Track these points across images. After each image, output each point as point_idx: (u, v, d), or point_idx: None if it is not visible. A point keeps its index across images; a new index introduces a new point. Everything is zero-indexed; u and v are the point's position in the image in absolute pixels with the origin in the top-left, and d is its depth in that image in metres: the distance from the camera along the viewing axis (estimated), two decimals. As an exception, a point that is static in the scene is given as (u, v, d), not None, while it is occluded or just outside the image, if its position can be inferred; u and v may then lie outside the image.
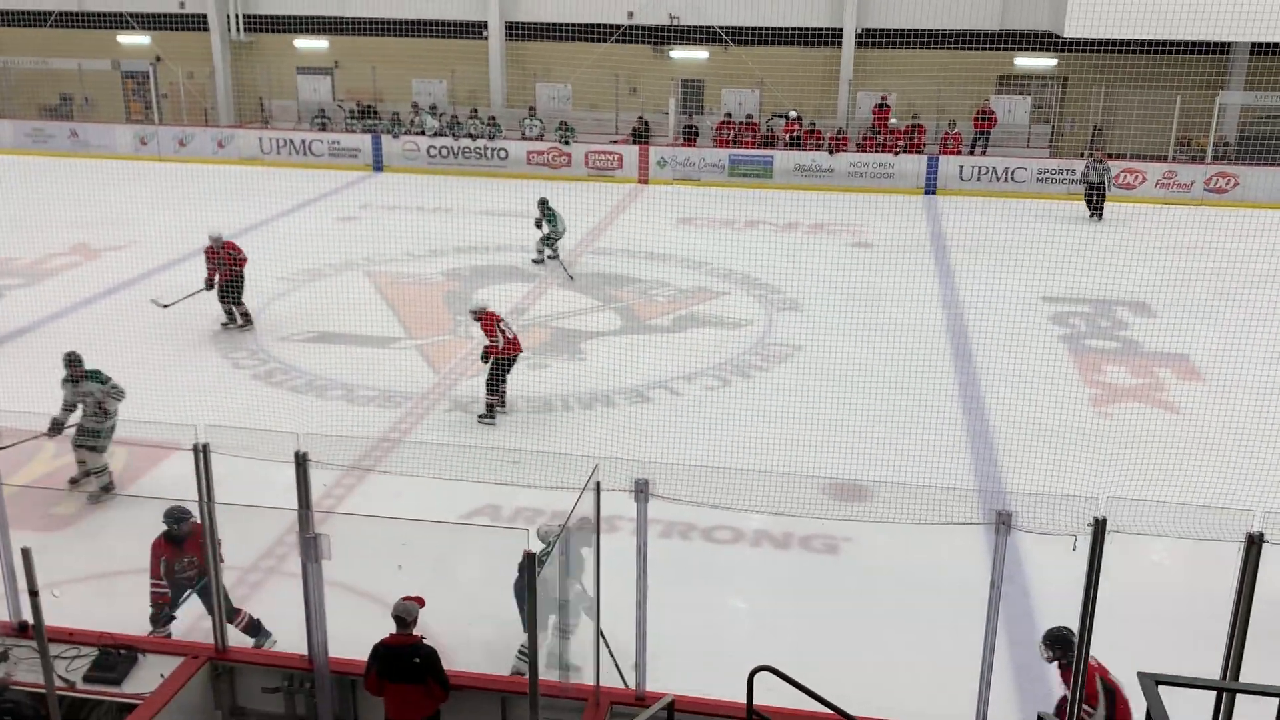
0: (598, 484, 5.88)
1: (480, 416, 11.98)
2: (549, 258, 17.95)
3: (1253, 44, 23.79)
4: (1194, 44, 23.17)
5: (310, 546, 6.06)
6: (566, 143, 25.56)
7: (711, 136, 25.94)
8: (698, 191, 23.84)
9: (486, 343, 11.94)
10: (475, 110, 26.63)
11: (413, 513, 7.37)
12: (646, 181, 25.08)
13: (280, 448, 6.14)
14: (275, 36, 27.96)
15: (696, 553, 9.42)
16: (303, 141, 26.65)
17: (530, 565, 5.31)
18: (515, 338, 12.09)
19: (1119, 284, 16.95)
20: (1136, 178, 23.47)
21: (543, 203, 17.75)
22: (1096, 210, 21.76)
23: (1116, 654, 6.31)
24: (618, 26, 26.30)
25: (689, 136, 25.94)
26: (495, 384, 11.97)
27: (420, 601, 6.36)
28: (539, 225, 17.75)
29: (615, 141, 26.04)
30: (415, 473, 9.86)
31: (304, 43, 28.64)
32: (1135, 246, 18.91)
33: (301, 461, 6.08)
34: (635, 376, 13.14)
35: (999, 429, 11.93)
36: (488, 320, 11.91)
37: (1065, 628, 6.58)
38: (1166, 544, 9.22)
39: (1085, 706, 6.61)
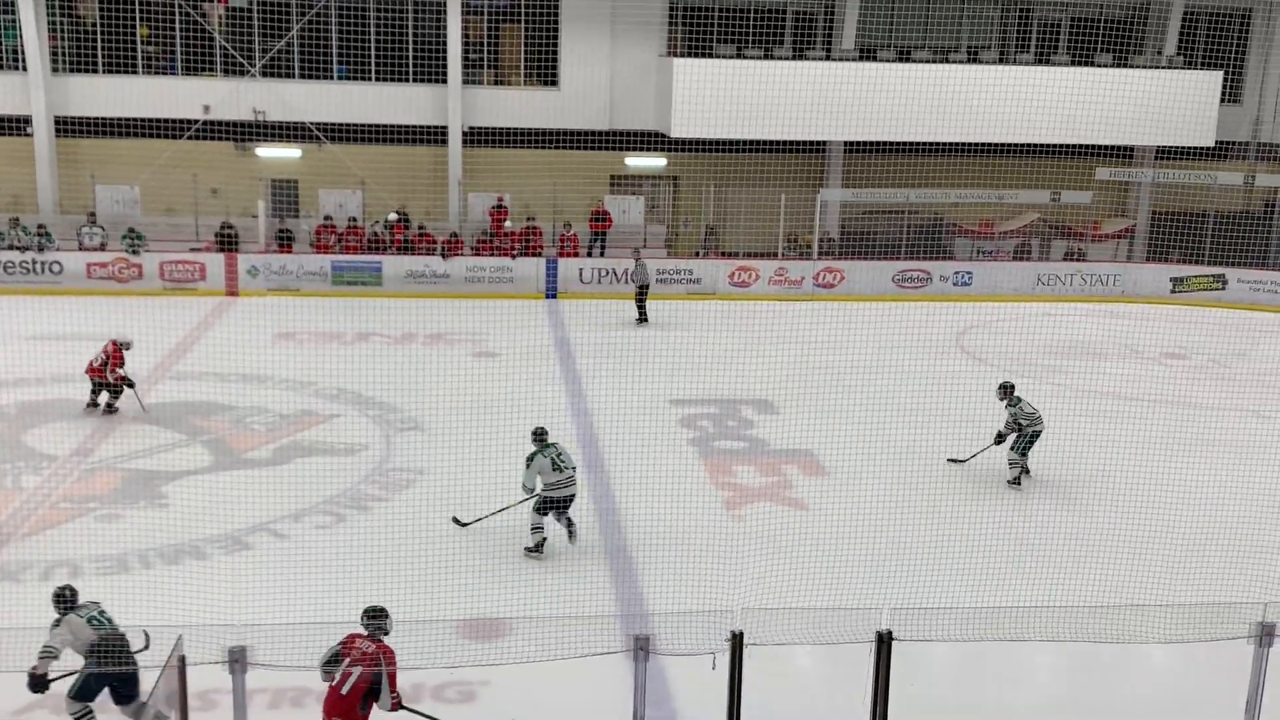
0: (181, 659, 5.48)
1: None
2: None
3: (845, 143, 26.95)
4: (794, 143, 25.89)
5: None
6: (135, 252, 24.18)
7: (310, 241, 25.54)
8: (297, 302, 23.29)
9: None
10: (17, 218, 24.58)
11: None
12: (236, 294, 24.18)
13: None
14: None
15: (313, 720, 8.95)
16: None
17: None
18: None
19: (742, 383, 18.29)
20: (750, 275, 25.63)
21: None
22: (642, 313, 23.03)
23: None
24: (193, 122, 25.46)
25: (284, 242, 25.38)
26: None
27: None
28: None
29: (196, 249, 24.96)
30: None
31: None
32: (754, 344, 20.54)
33: None
34: (231, 521, 12.45)
35: (636, 542, 12.38)
36: None
37: None
38: (805, 648, 9.88)
39: None
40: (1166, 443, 15.94)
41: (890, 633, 6.38)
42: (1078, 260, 27.38)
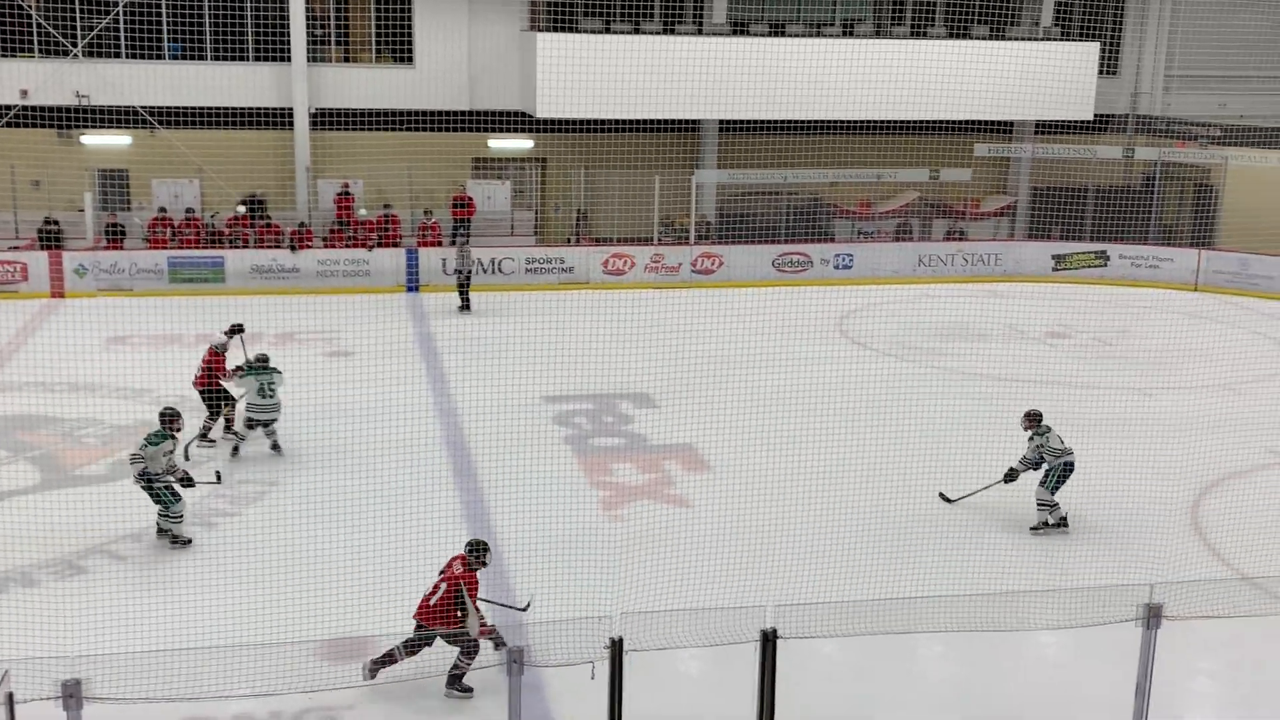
0: (9, 695, 5.29)
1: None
2: None
3: (720, 122, 27.23)
4: (667, 123, 26.06)
5: None
6: (-52, 252, 23.20)
7: (144, 236, 24.79)
8: (131, 303, 22.57)
9: None
10: None
11: None
12: (62, 295, 23.35)
13: None
14: None
15: (161, 757, 8.71)
16: None
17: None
18: None
19: (619, 377, 18.34)
20: (625, 262, 25.73)
21: None
22: (465, 301, 23.22)
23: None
24: (9, 108, 24.49)
25: (114, 237, 24.60)
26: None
27: None
28: None
29: (16, 248, 24.04)
30: None
31: None
32: (631, 335, 20.61)
33: None
34: (63, 544, 12.05)
35: (509, 549, 12.33)
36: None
37: None
38: (693, 651, 9.97)
39: None
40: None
41: (775, 630, 6.50)
42: (958, 239, 28.16)
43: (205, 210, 25.55)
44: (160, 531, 12.51)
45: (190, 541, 12.49)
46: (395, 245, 25.03)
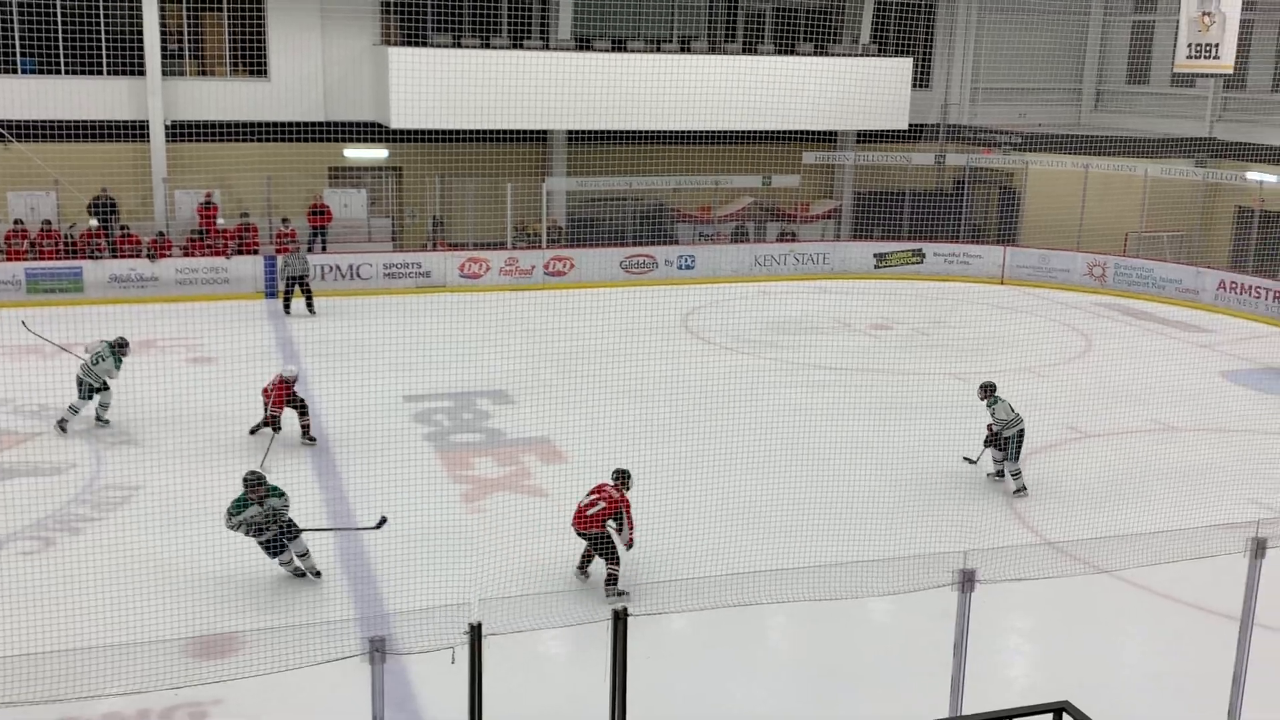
0: None
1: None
2: None
3: (568, 132, 27.22)
4: (517, 133, 25.94)
5: None
6: None
7: (0, 249, 23.61)
8: (-12, 315, 21.47)
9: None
10: None
11: None
12: (-84, 308, 22.08)
13: None
14: None
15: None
16: None
17: None
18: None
19: (477, 375, 18.23)
20: (481, 266, 25.52)
21: None
22: (308, 302, 22.84)
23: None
24: None
25: (-31, 250, 23.37)
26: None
27: None
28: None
29: None
30: None
31: None
32: (488, 335, 20.50)
33: None
34: (-80, 555, 11.40)
35: (373, 544, 12.13)
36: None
37: None
38: (550, 633, 9.96)
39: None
40: (876, 408, 16.99)
41: (625, 609, 6.52)
42: (790, 240, 28.71)
43: (63, 222, 24.46)
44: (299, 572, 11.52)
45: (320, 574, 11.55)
46: (253, 253, 24.36)
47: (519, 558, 11.72)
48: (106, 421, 15.89)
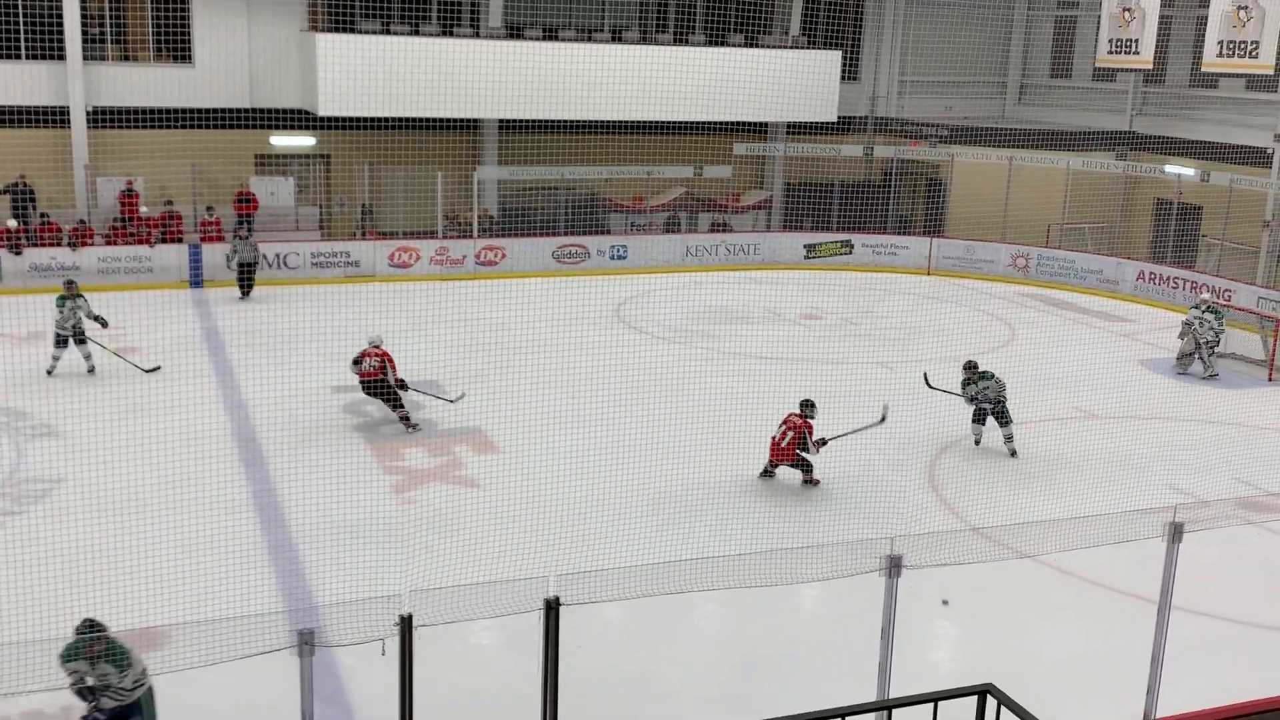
0: None
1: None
2: None
3: (500, 121, 27.05)
4: (448, 121, 25.70)
5: None
6: None
7: (-86, 236, 22.93)
8: (-99, 305, 20.84)
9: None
10: None
11: None
12: None
13: None
14: None
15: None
16: None
17: None
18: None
19: (408, 365, 18.02)
20: (411, 255, 25.28)
21: None
22: (246, 289, 22.96)
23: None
24: None
25: (-119, 237, 22.67)
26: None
27: None
28: None
29: None
30: None
31: None
32: (417, 324, 20.31)
33: None
34: None
35: (302, 536, 12.00)
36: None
37: None
38: (482, 623, 9.92)
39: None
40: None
41: (558, 599, 6.52)
42: (722, 231, 28.80)
43: (-21, 209, 23.81)
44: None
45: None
46: (178, 241, 23.89)
47: (451, 548, 11.65)
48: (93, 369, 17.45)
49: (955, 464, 14.58)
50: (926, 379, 16.16)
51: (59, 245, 23.00)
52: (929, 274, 27.77)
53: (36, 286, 22.19)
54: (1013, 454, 15.19)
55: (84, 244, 23.12)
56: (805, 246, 28.43)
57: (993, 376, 15.19)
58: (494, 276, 25.42)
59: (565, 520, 12.40)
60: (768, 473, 13.88)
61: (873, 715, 7.09)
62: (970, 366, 15.37)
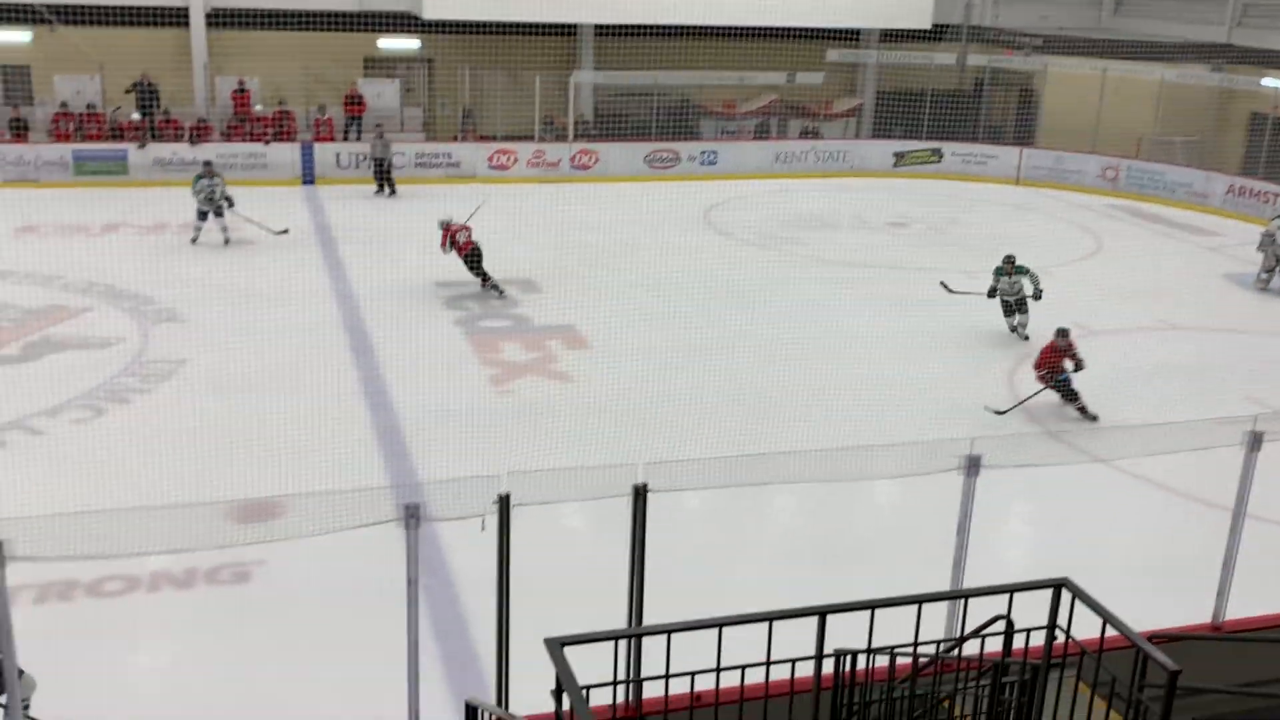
0: (-69, 558, 5.12)
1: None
2: None
3: (596, 26, 26.70)
4: (546, 26, 25.44)
5: None
6: None
7: (47, 130, 23.52)
8: (38, 194, 21.50)
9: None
10: None
11: None
12: (-31, 187, 22.13)
13: None
14: None
15: (83, 613, 8.59)
16: None
17: None
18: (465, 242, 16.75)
19: (505, 264, 18.16)
20: (509, 158, 25.28)
21: None
22: (383, 184, 23.30)
23: (530, 621, 6.79)
24: (-95, 2, 22.81)
25: (18, 131, 23.29)
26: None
27: None
28: None
29: (-80, 140, 22.61)
30: None
31: None
32: (515, 226, 20.37)
33: None
34: (-20, 420, 11.60)
35: (406, 421, 12.28)
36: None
37: None
38: (572, 506, 10.11)
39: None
40: (890, 302, 16.93)
41: (645, 485, 6.59)
42: (812, 138, 28.27)
43: (107, 105, 24.29)
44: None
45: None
46: (291, 140, 24.17)
47: (544, 436, 11.83)
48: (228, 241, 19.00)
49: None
50: (945, 285, 16.10)
51: (179, 141, 23.43)
52: (1018, 184, 27.02)
53: (160, 180, 22.69)
54: (1025, 339, 15.43)
55: (203, 140, 23.52)
56: (894, 154, 27.80)
57: (1028, 272, 15.47)
58: (588, 180, 25.34)
59: (652, 413, 12.50)
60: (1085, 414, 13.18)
61: (945, 604, 7.12)
62: (1009, 259, 15.51)
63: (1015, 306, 15.61)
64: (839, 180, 26.71)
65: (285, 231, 19.07)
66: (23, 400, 12.08)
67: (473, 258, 16.91)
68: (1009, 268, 15.54)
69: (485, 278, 16.96)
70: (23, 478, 10.34)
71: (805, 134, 28.53)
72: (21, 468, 10.68)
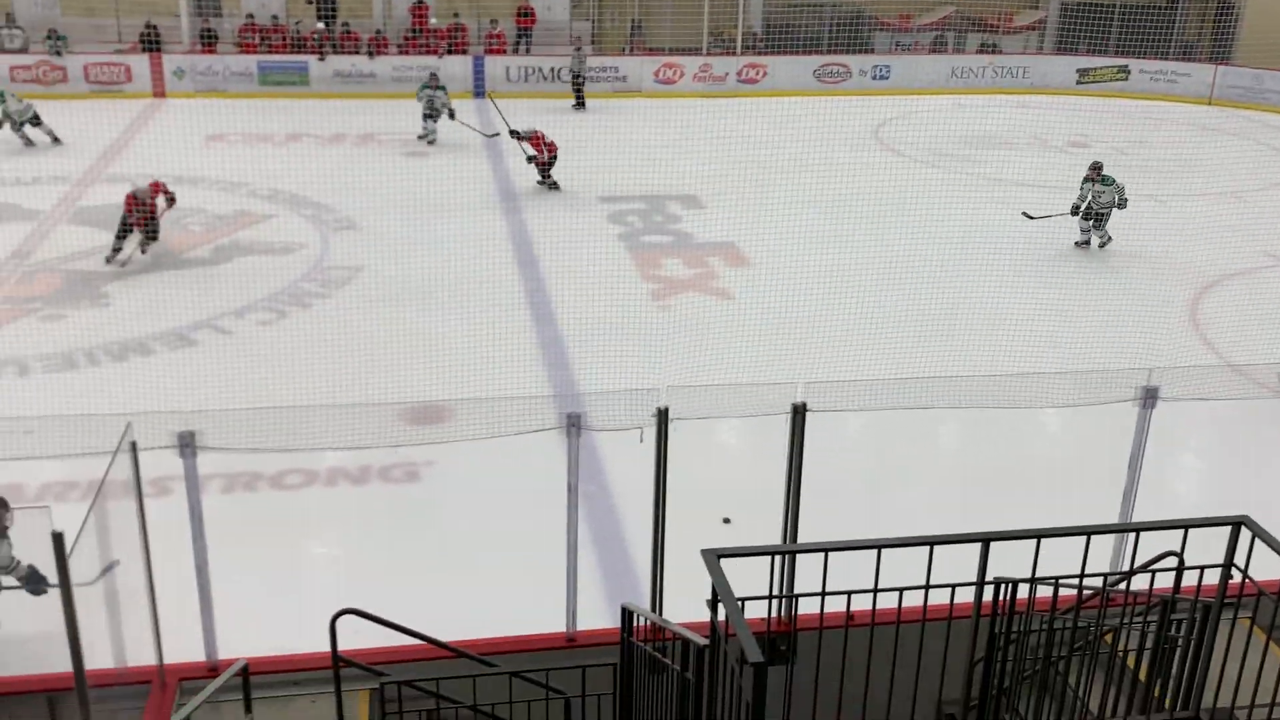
0: (133, 444, 5.46)
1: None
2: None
3: (768, -63, 26.05)
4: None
5: None
6: (58, 54, 22.95)
7: (235, 42, 24.38)
8: (225, 104, 22.40)
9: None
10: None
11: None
12: (164, 95, 23.18)
13: None
14: None
15: (266, 503, 9.08)
16: None
17: (59, 547, 4.84)
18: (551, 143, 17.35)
19: (669, 179, 18.10)
20: (675, 72, 25.03)
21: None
22: (580, 100, 23.42)
23: (689, 533, 6.86)
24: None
25: (208, 42, 24.21)
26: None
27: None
28: None
29: (121, 51, 23.74)
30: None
31: None
32: (680, 141, 20.26)
33: None
34: (174, 318, 12.29)
35: (568, 333, 12.45)
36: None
37: None
38: (729, 423, 10.12)
39: None
40: (1069, 226, 16.21)
41: (805, 404, 6.51)
42: (991, 52, 27.06)
43: (290, 18, 25.01)
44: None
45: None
46: (463, 53, 24.46)
47: (703, 352, 11.84)
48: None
49: (1219, 301, 13.55)
50: (1027, 214, 15.65)
51: (357, 54, 23.98)
52: (1210, 103, 25.35)
53: (338, 92, 23.33)
54: (1102, 246, 15.39)
55: (380, 52, 24.00)
56: (1078, 71, 26.40)
57: (1113, 182, 15.12)
58: (754, 95, 24.90)
59: (812, 334, 12.34)
60: None
61: (1112, 537, 6.89)
62: (1096, 167, 15.25)
63: (1101, 217, 15.30)
64: (1018, 97, 25.55)
65: (496, 135, 19.62)
66: (211, 301, 12.74)
67: (553, 161, 17.51)
68: (1094, 174, 15.20)
69: (550, 178, 17.66)
70: (211, 374, 10.94)
71: (984, 49, 27.31)
72: (210, 365, 11.29)
